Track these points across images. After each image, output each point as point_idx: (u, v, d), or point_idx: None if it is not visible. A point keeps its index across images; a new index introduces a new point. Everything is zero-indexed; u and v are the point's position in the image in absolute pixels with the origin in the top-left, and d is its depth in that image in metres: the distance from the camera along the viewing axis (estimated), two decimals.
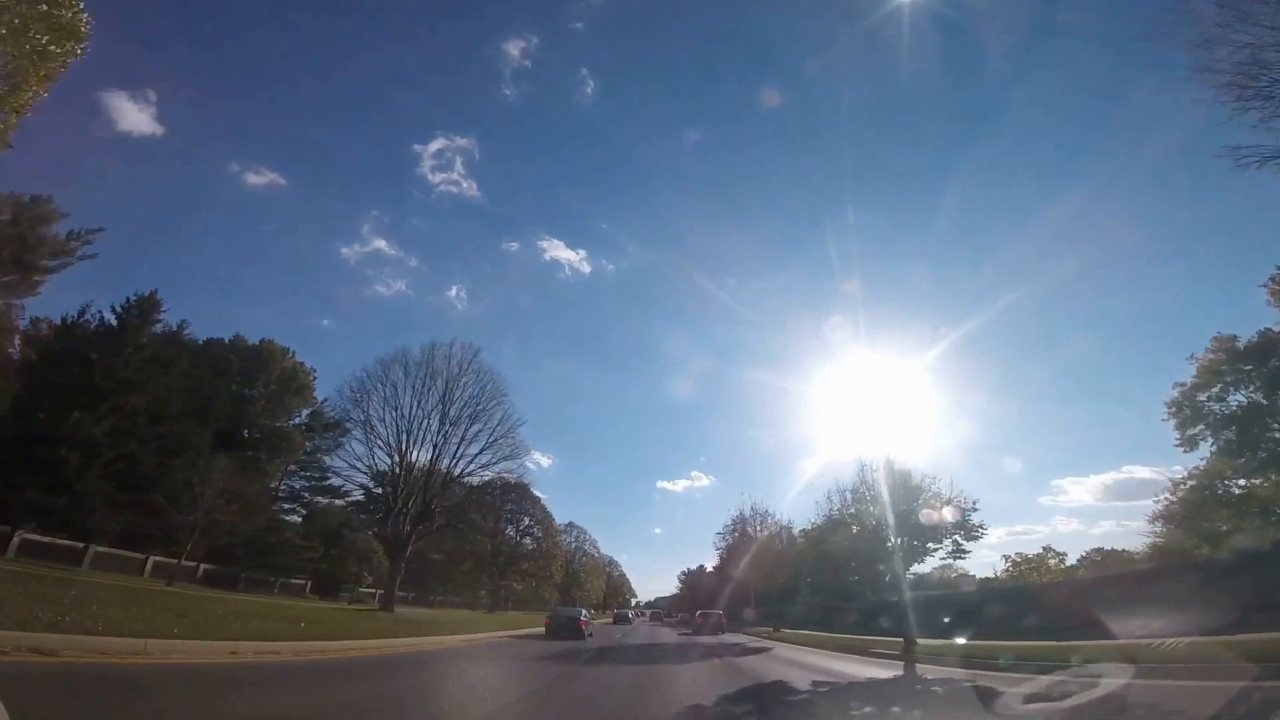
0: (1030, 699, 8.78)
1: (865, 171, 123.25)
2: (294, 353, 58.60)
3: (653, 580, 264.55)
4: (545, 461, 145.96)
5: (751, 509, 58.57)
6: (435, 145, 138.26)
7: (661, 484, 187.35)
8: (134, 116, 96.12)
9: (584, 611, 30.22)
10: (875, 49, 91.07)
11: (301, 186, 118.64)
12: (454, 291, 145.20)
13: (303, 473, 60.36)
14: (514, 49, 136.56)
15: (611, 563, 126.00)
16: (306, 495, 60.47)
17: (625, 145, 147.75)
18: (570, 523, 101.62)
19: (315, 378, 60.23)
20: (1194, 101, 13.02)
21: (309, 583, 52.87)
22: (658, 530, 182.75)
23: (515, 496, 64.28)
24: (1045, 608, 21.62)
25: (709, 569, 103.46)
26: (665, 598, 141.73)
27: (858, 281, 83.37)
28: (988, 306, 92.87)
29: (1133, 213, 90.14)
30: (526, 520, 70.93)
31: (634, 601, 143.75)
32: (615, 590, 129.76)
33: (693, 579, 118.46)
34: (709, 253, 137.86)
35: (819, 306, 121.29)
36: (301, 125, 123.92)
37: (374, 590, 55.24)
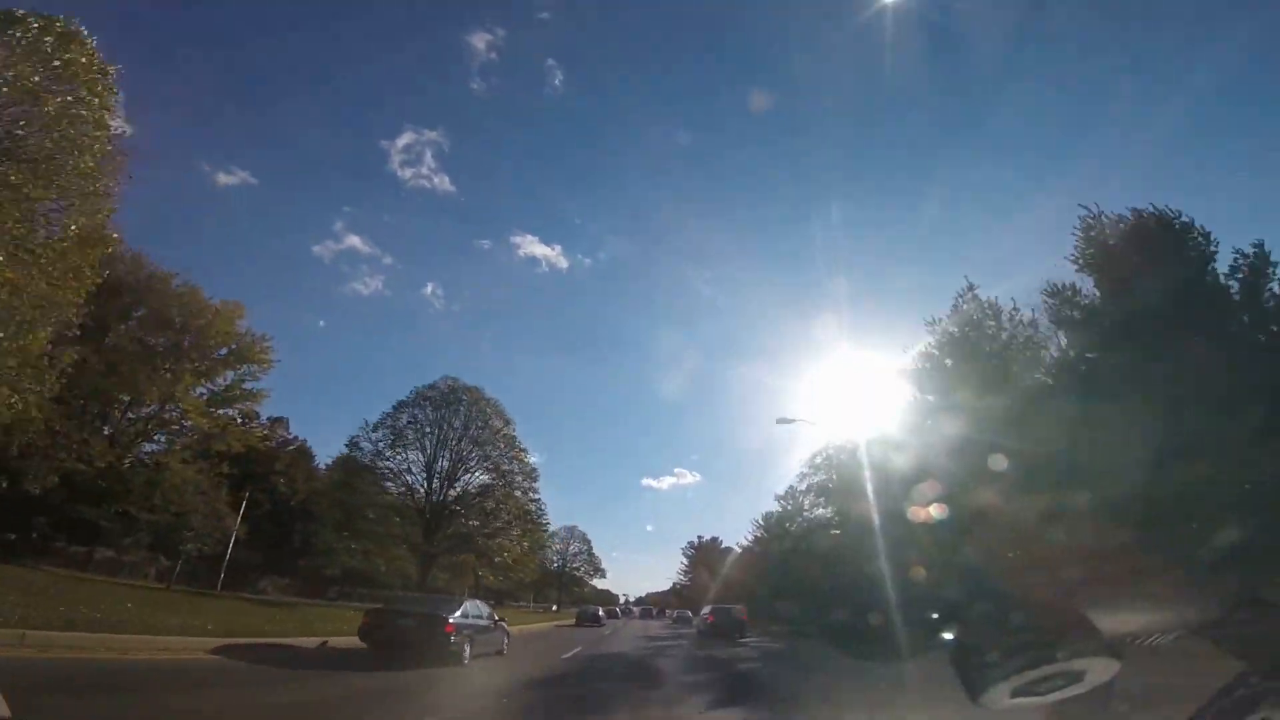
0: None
1: (851, 166, 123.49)
2: None
3: (643, 580, 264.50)
4: (532, 459, 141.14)
5: None
6: (404, 139, 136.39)
7: (646, 481, 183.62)
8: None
9: (470, 605, 15.23)
10: (861, 46, 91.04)
11: (272, 184, 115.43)
12: (430, 289, 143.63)
13: None
14: (480, 42, 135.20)
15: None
16: None
17: (597, 136, 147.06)
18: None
19: None
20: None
21: None
22: (649, 528, 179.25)
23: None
24: None
25: (729, 546, 70.51)
26: (657, 592, 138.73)
27: (843, 277, 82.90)
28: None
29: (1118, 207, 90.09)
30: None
31: (622, 598, 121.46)
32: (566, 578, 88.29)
33: (706, 550, 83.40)
34: (689, 246, 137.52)
35: (804, 301, 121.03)
36: (268, 121, 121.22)
37: None
